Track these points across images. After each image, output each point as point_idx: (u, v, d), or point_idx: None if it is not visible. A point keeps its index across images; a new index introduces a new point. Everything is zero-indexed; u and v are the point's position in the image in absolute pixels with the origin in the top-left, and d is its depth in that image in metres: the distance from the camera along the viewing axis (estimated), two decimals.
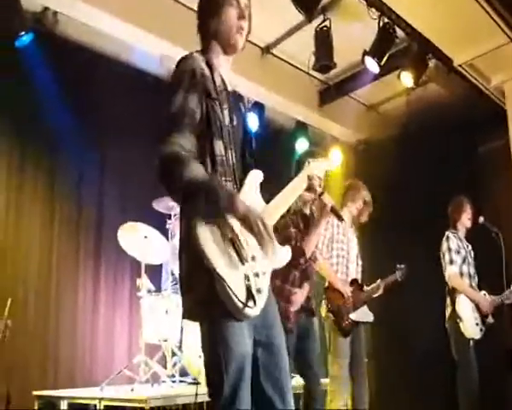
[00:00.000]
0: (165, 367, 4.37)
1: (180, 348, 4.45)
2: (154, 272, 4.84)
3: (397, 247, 4.97)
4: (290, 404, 1.76)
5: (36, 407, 3.91)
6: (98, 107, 4.70)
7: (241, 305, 1.57)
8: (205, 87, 1.73)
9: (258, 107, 5.77)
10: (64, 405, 3.87)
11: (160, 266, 4.96)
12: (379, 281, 3.99)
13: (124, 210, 5.02)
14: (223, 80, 1.82)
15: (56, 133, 4.59)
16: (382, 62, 4.61)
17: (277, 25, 4.95)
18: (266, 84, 5.38)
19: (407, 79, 4.91)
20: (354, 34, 4.72)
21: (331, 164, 2.16)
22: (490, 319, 4.08)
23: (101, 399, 3.62)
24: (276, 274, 2.82)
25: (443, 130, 5.62)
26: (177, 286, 4.54)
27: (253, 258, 1.66)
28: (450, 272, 4.11)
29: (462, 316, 4.00)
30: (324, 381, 3.56)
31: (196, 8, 1.92)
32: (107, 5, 4.15)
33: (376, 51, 4.59)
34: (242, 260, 1.62)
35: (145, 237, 4.45)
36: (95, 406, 3.66)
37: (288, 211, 2.90)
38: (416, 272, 4.48)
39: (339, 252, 3.84)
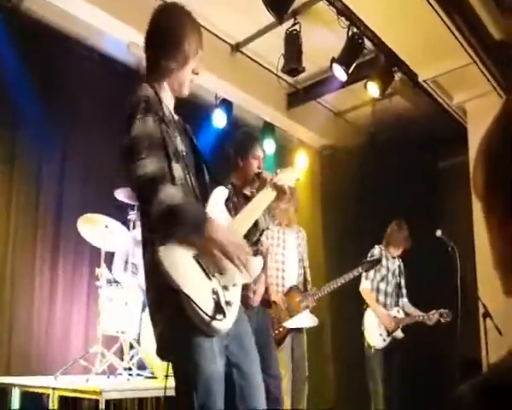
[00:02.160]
0: (121, 360, 4.33)
1: (138, 341, 4.43)
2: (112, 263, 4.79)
3: (356, 253, 5.05)
4: None
5: None
6: (63, 90, 4.62)
7: (207, 318, 1.57)
8: (157, 113, 1.75)
9: (226, 104, 5.78)
10: (16, 392, 3.81)
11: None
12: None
13: (85, 197, 4.95)
14: (170, 112, 1.86)
15: (18, 114, 4.49)
16: (350, 71, 4.69)
17: (248, 24, 4.97)
18: (235, 82, 5.39)
19: (373, 89, 5.00)
20: (324, 40, 4.80)
21: (299, 173, 2.20)
22: (399, 334, 4.56)
23: (54, 389, 3.56)
24: None
25: (406, 142, 5.76)
26: (137, 276, 4.53)
27: (221, 272, 1.68)
28: (362, 286, 4.63)
29: (365, 326, 4.60)
30: None
31: (148, 38, 1.93)
32: None
33: (344, 59, 4.66)
34: (209, 275, 1.64)
35: (106, 226, 4.39)
36: (48, 395, 3.59)
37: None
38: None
39: (272, 264, 3.81)
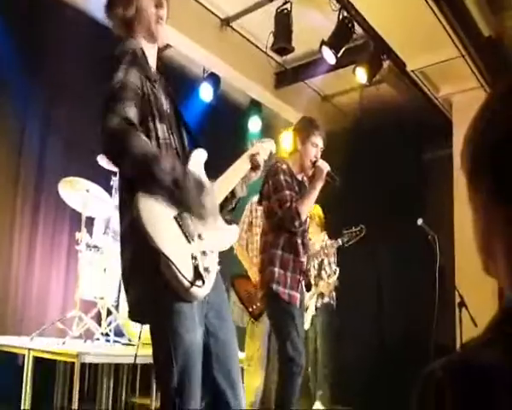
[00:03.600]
0: (99, 325, 4.33)
1: (117, 307, 4.44)
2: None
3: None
4: (241, 397, 1.77)
5: None
6: (47, 54, 4.54)
7: (187, 284, 1.53)
8: (144, 69, 1.72)
9: (214, 78, 5.74)
10: None
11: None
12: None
13: (67, 162, 4.89)
14: (155, 69, 1.84)
15: (1, 77, 4.41)
16: (339, 55, 4.68)
17: None
18: (223, 57, 5.35)
19: (361, 74, 5.00)
20: (314, 22, 4.79)
21: (273, 146, 2.16)
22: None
23: (30, 349, 3.55)
24: (274, 244, 2.84)
25: (392, 130, 5.77)
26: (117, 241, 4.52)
27: (200, 236, 1.65)
28: None
29: None
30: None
31: (111, 5, 1.85)
32: None
33: (334, 43, 4.64)
34: (188, 238, 1.60)
35: (87, 190, 4.36)
36: (23, 356, 3.59)
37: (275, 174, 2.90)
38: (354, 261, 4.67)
39: (258, 238, 3.79)
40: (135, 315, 1.71)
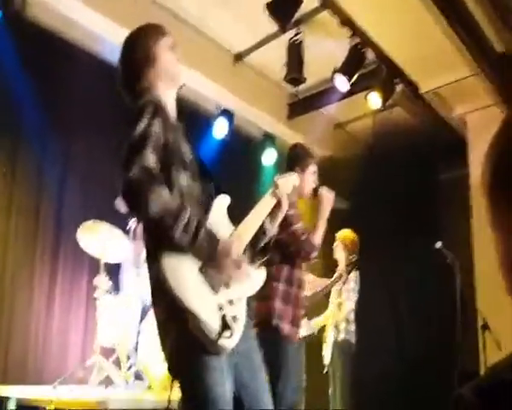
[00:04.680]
0: (119, 370, 4.28)
1: (136, 351, 4.40)
2: (113, 272, 4.73)
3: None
4: None
5: None
6: (64, 97, 4.59)
7: (215, 336, 1.52)
8: (167, 119, 1.72)
9: (228, 114, 5.77)
10: (12, 403, 3.72)
11: (119, 266, 4.85)
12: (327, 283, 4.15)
13: (85, 206, 4.91)
14: (174, 117, 1.85)
15: (19, 120, 4.47)
16: (351, 81, 4.69)
17: (250, 34, 4.99)
18: (236, 92, 5.40)
19: (374, 100, 5.01)
20: (326, 51, 4.81)
21: (296, 180, 2.13)
22: None
23: (52, 400, 3.45)
24: (276, 277, 2.81)
25: (406, 154, 5.75)
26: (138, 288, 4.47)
27: (226, 285, 1.63)
28: None
29: None
30: None
31: (125, 64, 1.89)
32: None
33: (346, 70, 4.67)
34: (215, 288, 1.59)
35: (106, 235, 4.33)
36: (44, 408, 3.54)
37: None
38: (371, 286, 4.59)
39: None
40: (170, 370, 1.69)
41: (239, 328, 1.61)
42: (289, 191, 2.04)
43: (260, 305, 2.80)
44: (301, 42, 4.63)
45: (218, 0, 4.52)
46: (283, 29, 4.22)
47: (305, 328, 3.84)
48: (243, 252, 1.77)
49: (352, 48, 4.55)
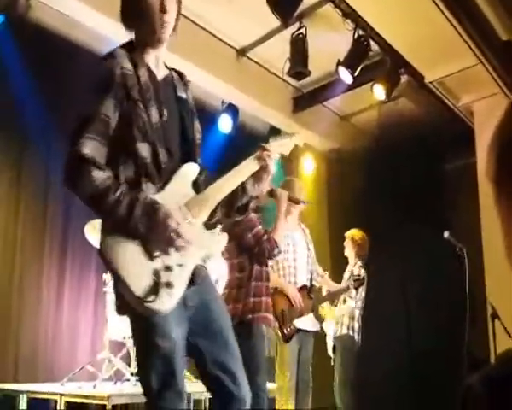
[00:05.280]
0: (129, 365, 4.32)
1: None
2: None
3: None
4: (242, 384, 1.80)
5: None
6: (69, 98, 4.60)
7: (138, 299, 1.60)
8: (125, 88, 1.72)
9: (233, 109, 5.78)
10: (23, 399, 3.80)
11: None
12: (329, 290, 4.18)
13: None
14: (150, 74, 1.82)
15: (25, 123, 4.49)
16: (356, 74, 4.68)
17: (254, 28, 4.98)
18: (241, 87, 5.39)
19: (379, 91, 4.99)
20: (329, 43, 4.79)
21: (293, 140, 2.11)
22: None
23: (62, 395, 3.55)
24: (251, 276, 3.08)
25: (413, 144, 5.73)
26: None
27: (165, 251, 1.67)
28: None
29: None
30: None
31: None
32: None
33: (350, 62, 4.65)
34: (151, 255, 1.65)
35: None
36: (55, 401, 3.59)
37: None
38: (381, 275, 4.58)
39: (284, 264, 3.81)
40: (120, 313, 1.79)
41: (172, 293, 1.65)
42: (287, 152, 2.06)
43: (239, 303, 3.06)
44: (305, 36, 4.61)
45: None
46: (286, 24, 4.21)
47: (312, 323, 3.86)
48: (217, 210, 1.86)
49: (355, 40, 4.53)
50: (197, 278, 1.75)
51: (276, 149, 1.99)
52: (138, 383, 4.03)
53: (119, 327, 4.27)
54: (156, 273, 1.64)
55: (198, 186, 1.85)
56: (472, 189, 5.19)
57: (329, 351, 4.64)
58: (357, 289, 4.30)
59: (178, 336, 1.70)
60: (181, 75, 1.99)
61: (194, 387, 3.82)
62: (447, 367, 4.37)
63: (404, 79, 5.07)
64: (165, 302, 1.63)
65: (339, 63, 4.67)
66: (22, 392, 3.83)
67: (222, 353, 1.80)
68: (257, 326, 3.05)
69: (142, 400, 3.68)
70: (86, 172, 1.62)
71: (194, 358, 1.83)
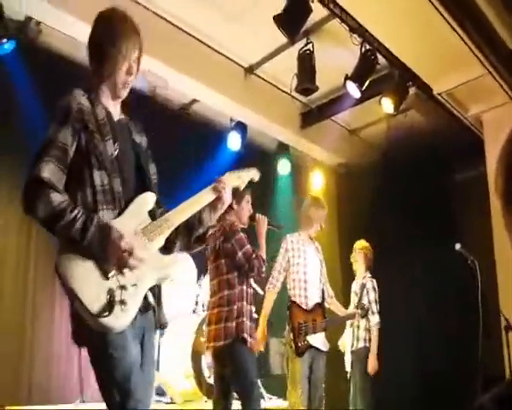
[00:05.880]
0: None
1: (157, 367, 4.41)
2: None
3: (373, 269, 5.00)
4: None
5: None
6: None
7: (92, 316, 1.65)
8: (82, 121, 1.84)
9: (241, 127, 5.80)
10: None
11: None
12: (341, 315, 4.20)
13: None
14: (107, 113, 1.94)
15: (34, 144, 4.51)
16: (363, 88, 4.68)
17: (261, 46, 5.01)
18: (249, 105, 5.43)
19: (388, 105, 4.99)
20: (337, 58, 4.82)
21: (249, 174, 2.28)
22: None
23: None
24: (241, 297, 3.26)
25: (422, 156, 5.72)
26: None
27: (121, 272, 1.74)
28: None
29: None
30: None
31: (90, 35, 2.06)
32: (91, 18, 4.13)
33: (358, 76, 4.66)
34: (105, 274, 1.71)
35: None
36: None
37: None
38: (392, 289, 4.53)
39: (295, 276, 3.89)
40: (75, 340, 1.84)
41: (127, 310, 1.71)
42: (243, 185, 2.23)
43: (231, 323, 3.20)
44: (312, 51, 4.63)
45: (227, 14, 4.55)
46: (292, 41, 4.23)
47: (323, 343, 3.87)
48: (175, 239, 1.97)
49: (362, 54, 4.54)
50: (148, 306, 1.85)
51: (232, 181, 2.15)
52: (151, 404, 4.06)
53: None
54: (111, 292, 1.70)
55: (155, 216, 1.92)
56: (483, 199, 5.15)
57: (347, 366, 4.64)
58: (363, 318, 4.34)
59: (135, 352, 1.79)
60: (136, 124, 2.10)
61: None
62: (460, 382, 4.28)
63: (412, 91, 5.06)
64: (120, 318, 1.70)
65: (346, 78, 4.68)
66: None
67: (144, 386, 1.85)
68: (250, 344, 3.22)
69: None
70: (44, 194, 1.71)
71: None
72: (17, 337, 4.41)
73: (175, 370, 4.49)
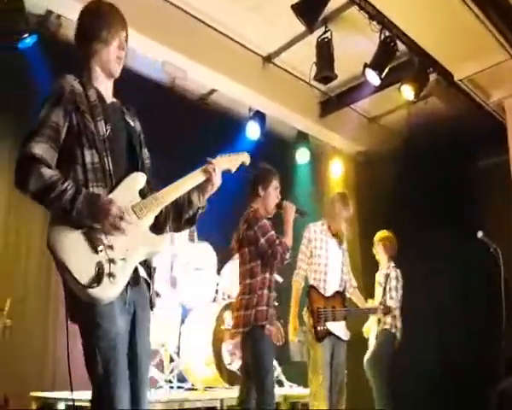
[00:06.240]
0: (162, 372, 4.37)
1: (178, 353, 4.47)
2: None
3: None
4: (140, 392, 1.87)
5: (33, 408, 3.93)
6: None
7: (81, 287, 1.69)
8: (74, 103, 1.89)
9: (260, 116, 5.81)
10: (61, 406, 3.88)
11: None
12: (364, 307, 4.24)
13: None
14: (99, 95, 1.99)
15: None
16: (383, 75, 4.64)
17: (279, 35, 4.99)
18: (267, 94, 5.42)
19: (408, 92, 4.94)
20: (356, 46, 4.77)
21: (240, 157, 2.29)
22: None
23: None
24: (262, 283, 3.24)
25: (443, 143, 5.65)
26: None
27: (111, 247, 1.78)
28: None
29: None
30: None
31: (78, 25, 2.09)
32: None
33: (377, 64, 4.61)
34: (95, 248, 1.76)
35: None
36: (90, 408, 3.67)
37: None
38: (412, 278, 4.50)
39: (316, 267, 3.91)
40: (70, 317, 1.87)
41: (116, 282, 1.75)
42: (234, 168, 2.24)
43: (252, 310, 3.20)
44: (330, 39, 4.60)
45: (245, 3, 4.54)
46: (310, 29, 4.20)
47: (344, 332, 3.88)
48: (166, 221, 2.02)
49: (381, 41, 4.50)
50: (138, 280, 1.88)
51: (222, 163, 2.17)
52: (173, 391, 4.13)
53: (153, 335, 4.33)
54: (99, 264, 1.73)
55: (145, 196, 1.95)
56: (506, 186, 5.09)
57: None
58: (385, 315, 4.36)
59: (122, 325, 1.81)
60: (129, 108, 2.13)
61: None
62: (482, 371, 4.26)
63: (432, 77, 5.00)
64: (108, 290, 1.73)
65: (366, 65, 4.64)
66: (60, 399, 3.93)
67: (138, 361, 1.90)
68: (268, 331, 3.22)
69: (177, 406, 3.76)
70: (35, 169, 1.76)
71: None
72: (41, 322, 4.54)
73: (196, 357, 4.53)
